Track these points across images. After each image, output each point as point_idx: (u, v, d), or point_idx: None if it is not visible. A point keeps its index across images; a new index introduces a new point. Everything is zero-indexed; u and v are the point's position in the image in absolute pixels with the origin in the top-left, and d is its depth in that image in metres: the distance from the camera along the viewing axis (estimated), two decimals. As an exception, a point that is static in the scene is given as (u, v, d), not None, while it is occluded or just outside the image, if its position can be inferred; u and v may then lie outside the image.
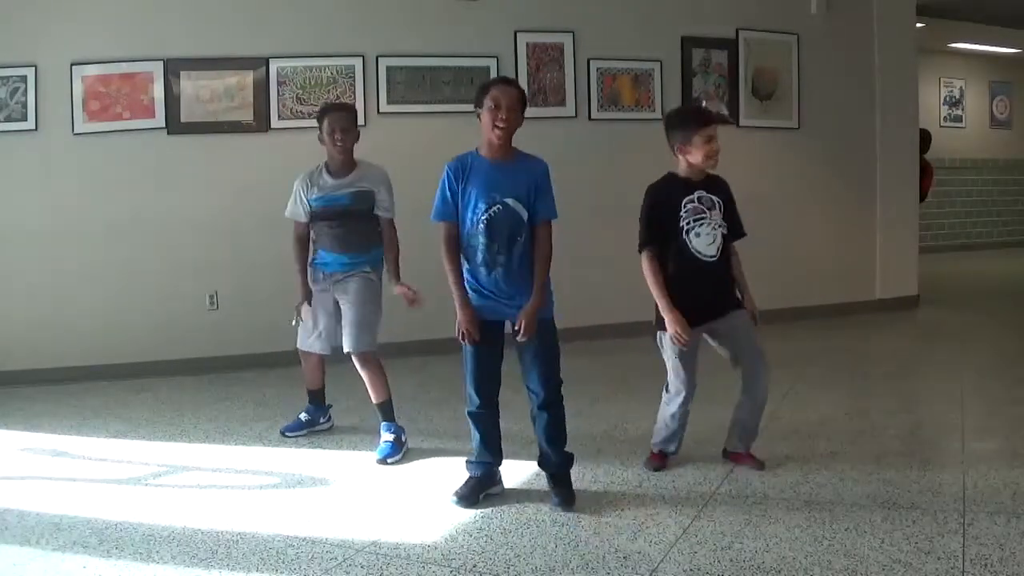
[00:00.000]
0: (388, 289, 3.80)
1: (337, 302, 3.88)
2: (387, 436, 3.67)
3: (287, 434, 4.00)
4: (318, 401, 4.11)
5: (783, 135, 6.73)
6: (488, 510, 2.99)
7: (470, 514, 2.96)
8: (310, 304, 3.93)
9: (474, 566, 2.56)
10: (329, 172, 3.82)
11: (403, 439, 3.71)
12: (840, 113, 6.84)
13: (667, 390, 3.32)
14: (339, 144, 3.72)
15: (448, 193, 2.97)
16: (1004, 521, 2.74)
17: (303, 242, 3.94)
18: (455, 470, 3.30)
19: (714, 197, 3.17)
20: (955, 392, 4.45)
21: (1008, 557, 2.48)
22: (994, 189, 12.43)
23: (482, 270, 2.95)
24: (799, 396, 4.37)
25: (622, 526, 2.82)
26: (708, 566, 2.51)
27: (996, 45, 11.30)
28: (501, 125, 2.88)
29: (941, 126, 11.80)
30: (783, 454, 3.49)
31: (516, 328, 2.92)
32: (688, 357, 3.20)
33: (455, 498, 3.05)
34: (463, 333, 2.95)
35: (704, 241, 3.13)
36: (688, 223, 3.12)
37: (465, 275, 3.01)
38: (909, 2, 7.14)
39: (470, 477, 3.10)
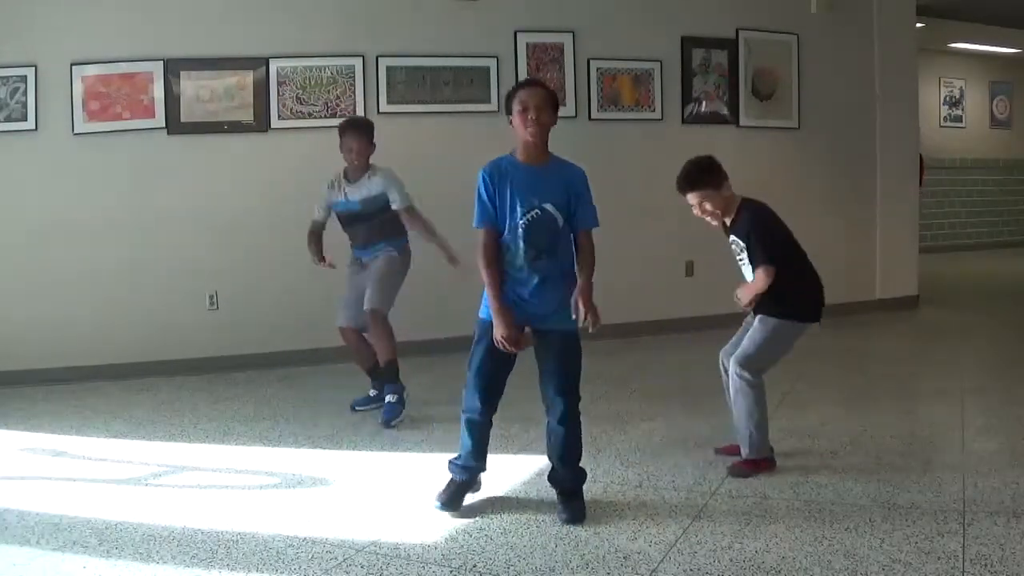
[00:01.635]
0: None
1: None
2: (390, 398, 4.08)
3: (356, 408, 4.34)
4: (378, 377, 4.32)
5: (783, 135, 6.73)
6: (488, 510, 2.99)
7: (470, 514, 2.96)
8: (324, 260, 4.37)
9: (474, 566, 2.56)
10: (347, 179, 4.34)
11: (405, 400, 4.10)
12: (840, 113, 6.84)
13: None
14: (355, 162, 4.27)
15: (486, 198, 2.87)
16: (1004, 521, 2.74)
17: (315, 235, 4.43)
18: (455, 470, 3.30)
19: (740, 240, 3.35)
20: (955, 392, 4.45)
21: (1008, 557, 2.48)
22: (994, 189, 12.43)
23: (519, 275, 2.87)
24: (799, 396, 4.37)
25: (622, 526, 2.82)
26: (708, 566, 2.51)
27: (996, 45, 11.30)
28: (532, 127, 2.81)
29: (941, 126, 11.81)
30: (783, 454, 3.48)
31: (584, 317, 2.82)
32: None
33: (438, 503, 2.98)
34: (501, 342, 2.83)
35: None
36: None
37: (503, 280, 2.90)
38: (909, 2, 7.15)
39: (452, 480, 3.03)
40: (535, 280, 2.87)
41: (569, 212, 2.89)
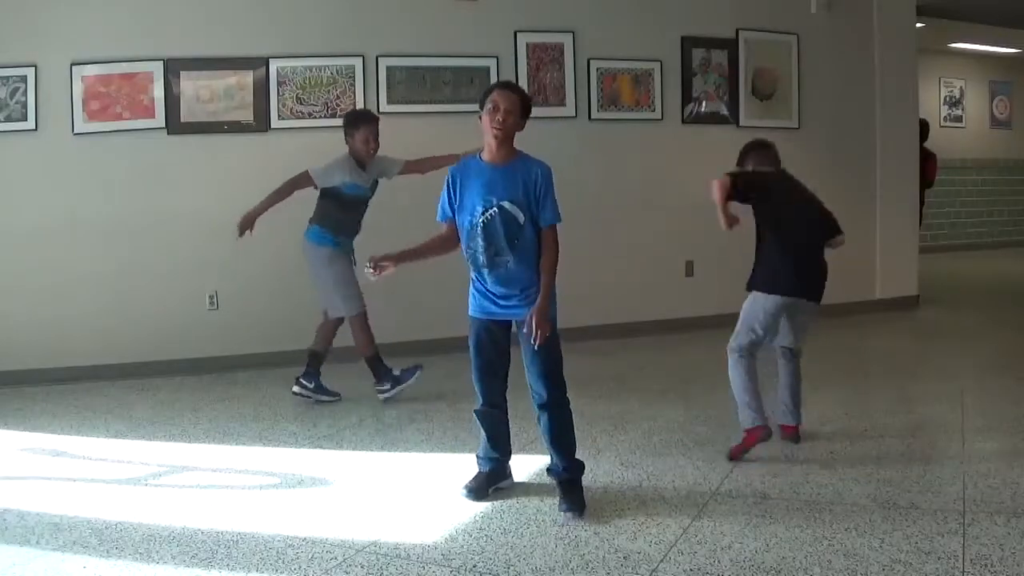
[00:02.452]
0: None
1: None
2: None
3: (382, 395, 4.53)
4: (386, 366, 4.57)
5: (783, 135, 6.69)
6: (488, 510, 2.99)
7: (470, 514, 2.96)
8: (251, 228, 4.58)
9: (474, 566, 2.56)
10: (362, 167, 4.49)
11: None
12: (840, 113, 6.84)
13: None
14: (374, 152, 4.47)
15: (446, 198, 3.02)
16: (1004, 521, 2.74)
17: (290, 191, 4.52)
18: (455, 470, 3.31)
19: None
20: (955, 392, 4.45)
21: (1008, 557, 2.48)
22: (994, 189, 12.42)
23: (484, 272, 2.96)
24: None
25: (622, 526, 2.82)
26: (708, 566, 2.51)
27: (996, 45, 11.29)
28: (497, 127, 2.89)
29: (941, 126, 11.79)
30: (783, 454, 3.49)
31: (525, 330, 2.90)
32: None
33: (465, 491, 3.08)
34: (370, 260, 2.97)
35: None
36: None
37: (471, 276, 3.04)
38: (909, 2, 7.14)
39: (479, 472, 3.13)
40: (496, 277, 2.95)
41: (531, 209, 2.94)
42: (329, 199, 4.49)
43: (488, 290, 2.98)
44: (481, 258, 2.94)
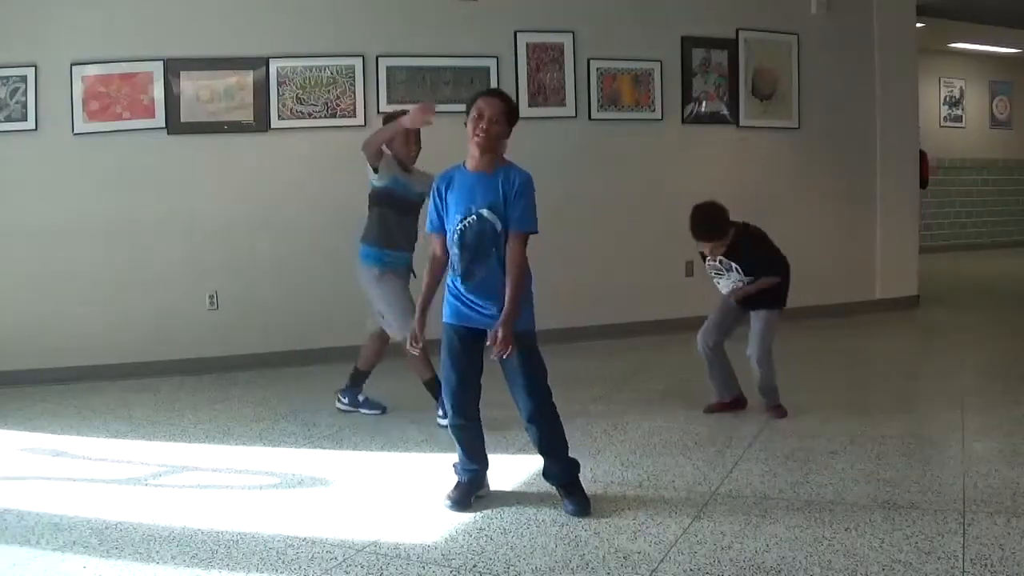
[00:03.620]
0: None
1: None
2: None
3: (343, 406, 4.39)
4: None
5: (783, 135, 6.73)
6: (488, 510, 2.99)
7: (470, 514, 2.96)
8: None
9: (474, 566, 2.56)
10: (404, 169, 4.19)
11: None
12: (840, 113, 6.84)
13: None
14: (415, 154, 4.21)
15: (432, 207, 2.98)
16: (1004, 521, 2.74)
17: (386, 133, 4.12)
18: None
19: (732, 263, 3.92)
20: (955, 392, 4.45)
21: (1008, 557, 2.48)
22: (994, 189, 12.43)
23: (459, 279, 2.93)
24: (799, 396, 4.36)
25: (622, 526, 2.82)
26: (708, 566, 2.51)
27: (996, 45, 11.29)
28: (479, 135, 2.86)
29: (941, 126, 11.80)
30: (783, 454, 3.49)
31: (489, 343, 2.86)
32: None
33: (448, 502, 3.04)
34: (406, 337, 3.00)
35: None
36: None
37: (447, 281, 3.01)
38: (909, 2, 7.14)
39: (459, 482, 3.09)
40: (471, 284, 2.91)
41: (504, 216, 2.89)
42: (376, 206, 4.14)
43: (465, 295, 2.93)
44: (458, 266, 2.91)
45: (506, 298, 2.84)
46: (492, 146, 2.89)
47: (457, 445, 3.08)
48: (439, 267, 3.03)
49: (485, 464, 3.12)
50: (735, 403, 4.18)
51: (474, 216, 2.88)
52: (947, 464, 3.33)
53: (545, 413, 2.96)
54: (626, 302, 6.19)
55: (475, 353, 2.98)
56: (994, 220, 12.49)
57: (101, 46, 5.27)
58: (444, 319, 2.99)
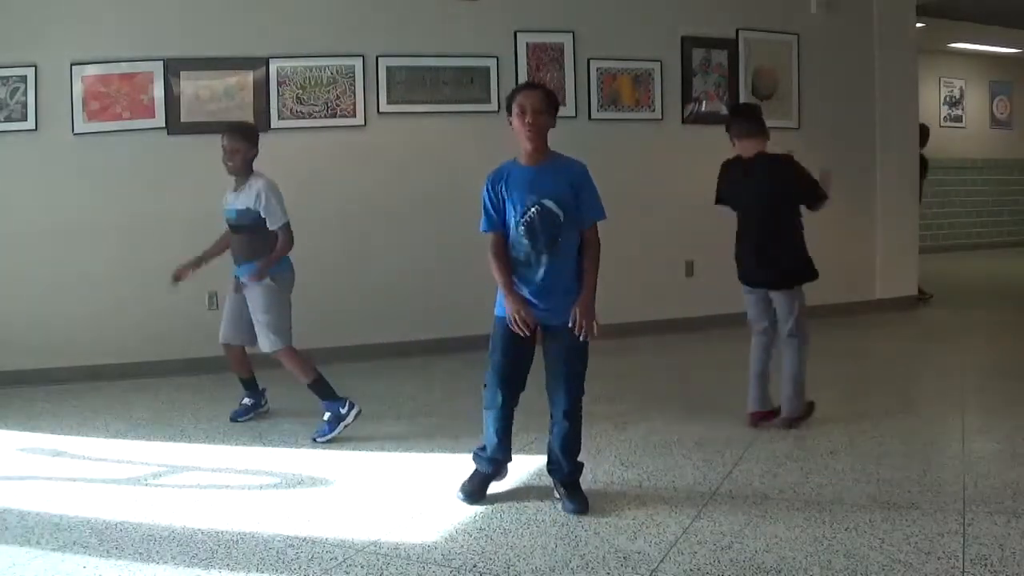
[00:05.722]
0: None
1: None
2: (326, 415, 3.92)
3: (237, 419, 4.27)
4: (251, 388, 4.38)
5: (783, 135, 6.71)
6: (488, 510, 2.99)
7: (470, 514, 2.96)
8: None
9: (474, 566, 2.56)
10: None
11: (344, 412, 3.89)
12: (840, 113, 6.84)
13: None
14: (229, 166, 4.13)
15: (489, 205, 2.99)
16: (1004, 521, 2.74)
17: (222, 245, 4.36)
18: (455, 470, 3.30)
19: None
20: (955, 392, 4.45)
21: (1008, 557, 2.48)
22: (994, 189, 12.42)
23: (525, 271, 2.95)
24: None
25: (622, 526, 2.82)
26: (708, 566, 2.51)
27: (996, 45, 11.29)
28: (529, 129, 2.89)
29: (941, 126, 11.79)
30: (783, 454, 3.49)
31: (571, 324, 2.89)
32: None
33: (462, 495, 3.06)
34: (514, 320, 2.89)
35: None
36: None
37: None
38: (909, 2, 7.15)
39: (477, 471, 3.11)
40: (539, 277, 2.93)
41: (573, 207, 2.93)
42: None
43: (531, 294, 2.94)
44: (523, 258, 2.94)
45: (585, 282, 2.93)
46: (543, 137, 2.94)
47: (493, 434, 3.06)
48: (504, 249, 2.98)
49: (509, 456, 3.14)
50: (772, 414, 3.90)
51: (537, 207, 2.91)
52: (947, 464, 3.33)
53: (577, 411, 3.03)
54: (626, 302, 6.19)
55: (529, 345, 3.00)
56: (994, 220, 12.48)
57: (101, 46, 5.27)
58: (498, 312, 3.00)
